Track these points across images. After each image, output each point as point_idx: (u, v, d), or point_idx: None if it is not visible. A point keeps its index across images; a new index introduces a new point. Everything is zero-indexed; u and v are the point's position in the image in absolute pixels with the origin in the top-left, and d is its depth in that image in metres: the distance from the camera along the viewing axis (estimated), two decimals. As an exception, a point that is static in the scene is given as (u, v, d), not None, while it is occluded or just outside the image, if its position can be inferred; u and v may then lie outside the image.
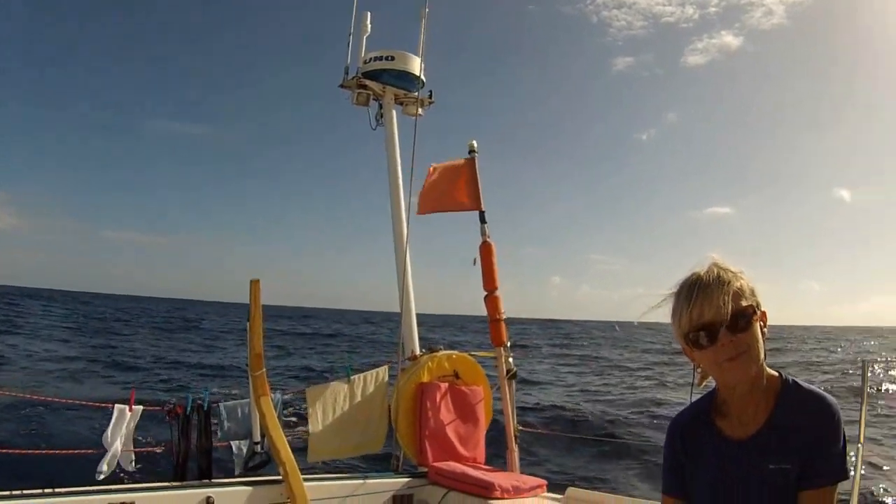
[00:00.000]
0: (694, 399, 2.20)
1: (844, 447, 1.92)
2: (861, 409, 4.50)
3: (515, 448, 5.43)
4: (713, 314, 1.90)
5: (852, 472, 4.21)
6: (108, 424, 4.84)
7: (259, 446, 4.92)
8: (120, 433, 4.75)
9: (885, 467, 11.58)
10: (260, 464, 4.90)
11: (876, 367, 30.44)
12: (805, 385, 2.00)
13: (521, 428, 5.53)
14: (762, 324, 1.98)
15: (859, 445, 4.37)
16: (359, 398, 5.41)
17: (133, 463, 4.87)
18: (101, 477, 4.64)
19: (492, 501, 4.42)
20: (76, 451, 5.30)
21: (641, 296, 2.13)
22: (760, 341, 1.95)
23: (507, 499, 4.46)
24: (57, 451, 5.53)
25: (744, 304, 1.92)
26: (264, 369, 4.42)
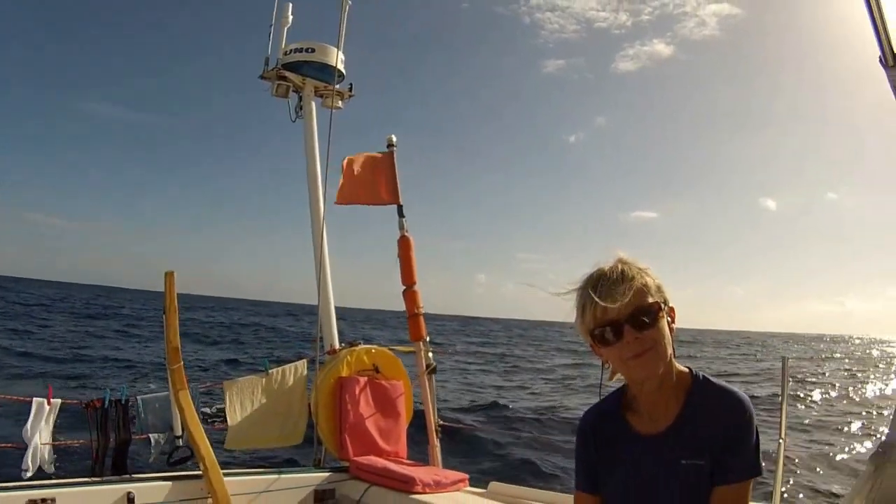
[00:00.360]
0: (603, 395, 2.18)
1: (757, 443, 1.93)
2: (782, 405, 4.62)
3: (437, 443, 5.44)
4: (617, 310, 1.89)
5: (774, 466, 4.34)
6: (26, 419, 4.70)
7: (180, 440, 4.83)
8: (39, 428, 4.62)
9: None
10: (183, 458, 4.82)
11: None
12: (715, 381, 2.01)
13: (441, 422, 5.53)
14: (670, 320, 1.97)
15: (780, 441, 4.48)
16: (277, 392, 5.36)
17: (54, 459, 4.74)
18: (28, 475, 4.54)
19: (413, 496, 4.40)
20: None
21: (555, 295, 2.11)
22: (668, 337, 1.94)
23: (428, 493, 4.44)
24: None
25: (650, 300, 1.92)
26: (182, 363, 4.33)
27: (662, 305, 1.94)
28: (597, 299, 1.91)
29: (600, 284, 1.94)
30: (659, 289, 1.97)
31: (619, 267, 1.96)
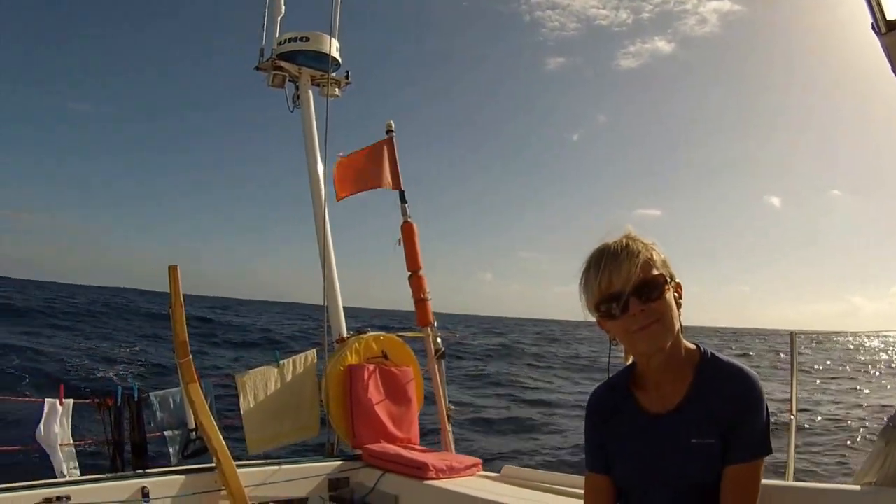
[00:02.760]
0: (611, 373, 2.19)
1: (768, 421, 1.93)
2: (791, 381, 4.61)
3: (449, 427, 5.43)
4: (622, 283, 1.89)
5: (787, 444, 4.32)
6: (38, 421, 4.70)
7: (194, 433, 4.83)
8: (54, 429, 4.60)
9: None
10: (196, 451, 4.82)
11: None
12: (724, 357, 2.00)
13: (453, 408, 5.52)
14: (677, 294, 1.98)
15: (792, 417, 4.47)
16: (289, 382, 5.36)
17: (76, 469, 4.75)
18: (63, 479, 4.50)
19: (427, 482, 4.39)
20: (5, 449, 5.16)
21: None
22: (675, 311, 1.95)
23: (442, 478, 4.43)
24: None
25: (654, 273, 1.92)
26: (190, 356, 4.31)
27: (668, 279, 1.94)
28: (601, 272, 1.93)
29: (605, 258, 1.95)
30: (665, 263, 1.97)
31: (624, 241, 1.97)
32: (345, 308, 5.77)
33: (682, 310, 1.99)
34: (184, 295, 4.26)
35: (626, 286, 1.89)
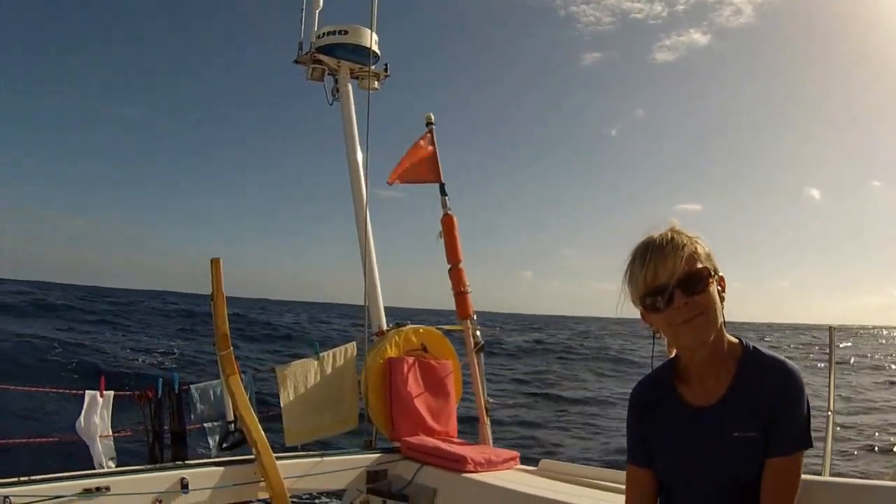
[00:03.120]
0: (655, 367, 2.20)
1: (808, 415, 1.93)
2: (830, 376, 4.56)
3: (487, 421, 5.41)
4: (667, 276, 1.91)
5: (824, 439, 4.28)
6: (79, 412, 4.72)
7: (233, 426, 4.85)
8: (94, 420, 4.65)
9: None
10: (235, 443, 4.84)
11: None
12: (766, 351, 2.00)
13: (491, 401, 5.51)
14: (720, 288, 1.98)
15: (829, 413, 4.43)
16: (329, 376, 5.36)
17: (113, 450, 4.78)
18: (101, 466, 4.59)
19: (465, 475, 4.39)
20: (45, 440, 5.21)
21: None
22: (718, 304, 1.96)
23: (480, 472, 4.44)
24: (27, 441, 5.43)
25: (699, 265, 1.93)
26: (231, 349, 4.35)
27: (712, 272, 1.95)
28: (647, 265, 1.94)
29: (650, 251, 1.96)
30: (709, 256, 1.98)
31: (669, 234, 1.98)
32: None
33: (724, 303, 2.00)
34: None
35: (671, 279, 1.91)
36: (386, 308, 5.85)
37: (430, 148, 5.82)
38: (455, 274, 5.48)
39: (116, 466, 4.64)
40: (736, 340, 2.03)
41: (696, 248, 1.96)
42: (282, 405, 5.13)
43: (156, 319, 39.49)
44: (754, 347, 2.01)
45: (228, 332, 4.32)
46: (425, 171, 5.77)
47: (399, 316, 6.02)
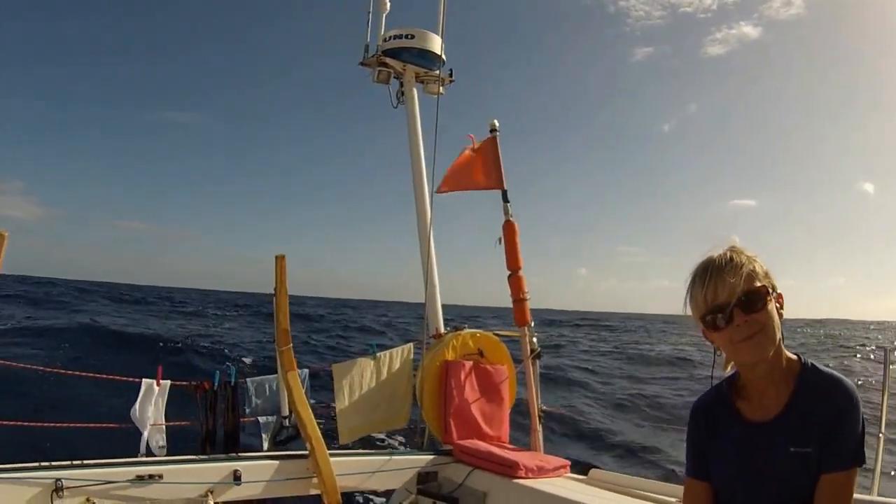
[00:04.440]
0: (715, 382, 2.24)
1: (863, 432, 1.95)
2: (883, 397, 4.51)
3: (539, 428, 5.41)
4: (727, 295, 1.97)
5: (874, 460, 4.25)
6: (135, 400, 4.82)
7: (287, 421, 4.91)
8: (149, 408, 4.74)
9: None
10: (288, 438, 4.90)
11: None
12: (824, 369, 2.03)
13: (544, 408, 5.51)
14: (779, 306, 2.03)
15: (881, 434, 4.39)
16: (385, 375, 5.41)
17: (164, 438, 4.84)
18: (156, 458, 4.61)
19: (516, 480, 4.40)
20: (101, 425, 5.30)
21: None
22: (777, 322, 2.00)
23: (531, 478, 4.44)
24: (83, 425, 5.52)
25: (757, 284, 1.98)
26: (291, 345, 4.40)
27: (770, 290, 2.00)
28: (707, 285, 2.01)
29: (710, 271, 2.02)
30: (766, 275, 2.03)
31: (728, 254, 2.04)
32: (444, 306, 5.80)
33: (783, 320, 2.05)
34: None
35: (731, 298, 1.97)
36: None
37: (492, 154, 5.84)
38: (515, 281, 5.49)
39: (167, 455, 4.72)
40: (794, 357, 2.07)
41: (754, 267, 2.01)
42: (336, 402, 5.18)
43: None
44: (812, 364, 2.04)
45: (289, 328, 4.38)
46: (486, 178, 5.78)
47: (449, 314, 6.01)
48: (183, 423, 5.26)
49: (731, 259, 2.02)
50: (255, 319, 37.72)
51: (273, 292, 4.35)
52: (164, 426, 4.90)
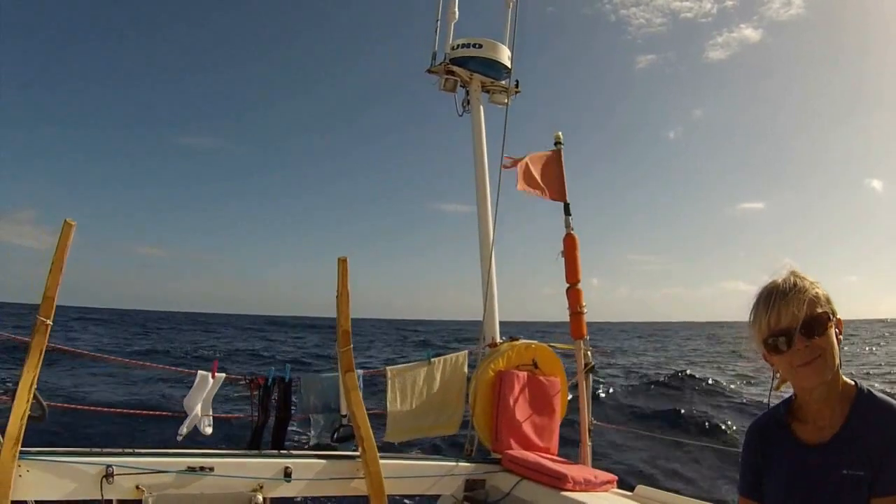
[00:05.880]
0: (772, 404, 2.27)
1: None
2: None
3: (588, 442, 5.40)
4: (790, 320, 1.99)
5: None
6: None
7: (344, 419, 4.96)
8: (200, 398, 4.82)
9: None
10: (343, 437, 4.95)
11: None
12: (879, 395, 2.05)
13: (595, 422, 5.50)
14: (838, 331, 2.05)
15: None
16: (437, 381, 5.45)
17: (210, 427, 4.90)
18: (180, 438, 4.72)
19: (563, 493, 4.41)
20: (157, 413, 5.39)
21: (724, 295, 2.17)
22: (836, 347, 2.03)
23: (578, 491, 4.44)
24: (139, 412, 5.63)
25: (819, 310, 2.00)
26: (351, 346, 4.44)
27: (831, 316, 2.02)
28: (771, 309, 2.03)
29: (774, 296, 2.04)
30: (828, 300, 2.05)
31: (792, 279, 2.06)
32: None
33: (841, 346, 2.06)
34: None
35: (794, 323, 1.99)
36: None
37: (557, 167, 5.87)
38: (573, 293, 5.50)
39: (217, 447, 4.78)
40: (851, 383, 2.09)
41: (817, 293, 2.03)
42: (387, 404, 5.24)
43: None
44: (868, 390, 2.06)
45: (350, 330, 4.42)
46: (552, 189, 5.81)
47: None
48: (233, 416, 5.33)
49: (795, 284, 2.04)
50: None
51: (336, 295, 4.39)
52: (211, 417, 4.96)
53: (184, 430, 4.74)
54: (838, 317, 2.06)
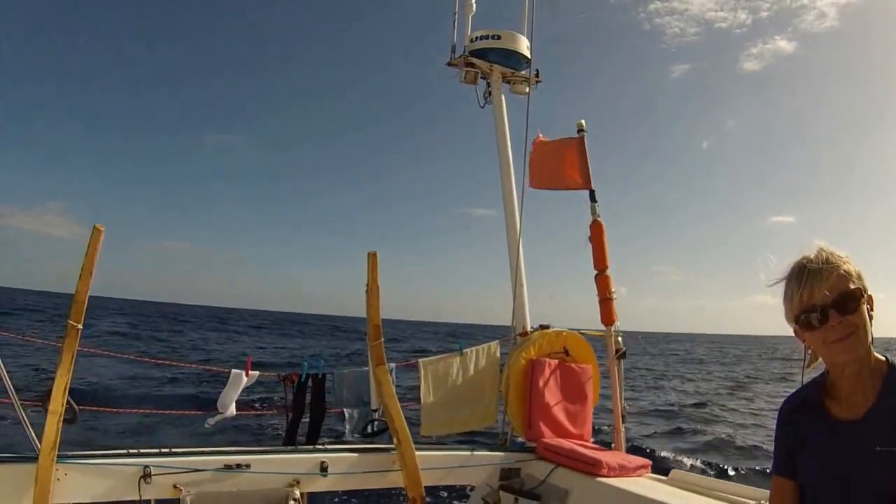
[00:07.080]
0: (805, 381, 2.24)
1: None
2: None
3: (622, 428, 5.40)
4: (822, 296, 1.97)
5: None
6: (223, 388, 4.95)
7: (376, 413, 5.00)
8: (235, 396, 4.87)
9: None
10: (378, 431, 4.98)
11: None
12: None
13: (628, 408, 5.50)
14: (869, 307, 2.02)
15: None
16: (471, 372, 5.46)
17: (234, 408, 4.94)
18: (208, 426, 4.78)
19: (598, 478, 4.42)
20: (186, 413, 5.43)
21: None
22: (868, 324, 2.00)
23: (613, 477, 4.45)
24: (171, 412, 5.69)
25: (852, 286, 1.97)
26: (381, 339, 4.47)
27: (863, 292, 2.00)
28: (803, 286, 2.01)
29: (807, 271, 2.02)
30: (860, 276, 2.02)
31: (823, 255, 2.03)
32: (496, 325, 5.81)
33: (873, 322, 2.04)
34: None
35: (827, 299, 1.96)
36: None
37: (581, 154, 5.85)
38: (602, 280, 5.48)
39: (252, 441, 4.82)
40: (882, 358, 2.06)
41: (848, 268, 2.01)
42: (421, 397, 5.26)
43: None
44: None
45: (380, 324, 4.44)
46: (575, 177, 5.80)
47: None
48: (267, 412, 5.37)
49: (828, 260, 2.01)
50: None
51: (365, 289, 4.41)
52: (244, 414, 4.98)
53: (212, 421, 4.80)
54: (869, 293, 2.03)
